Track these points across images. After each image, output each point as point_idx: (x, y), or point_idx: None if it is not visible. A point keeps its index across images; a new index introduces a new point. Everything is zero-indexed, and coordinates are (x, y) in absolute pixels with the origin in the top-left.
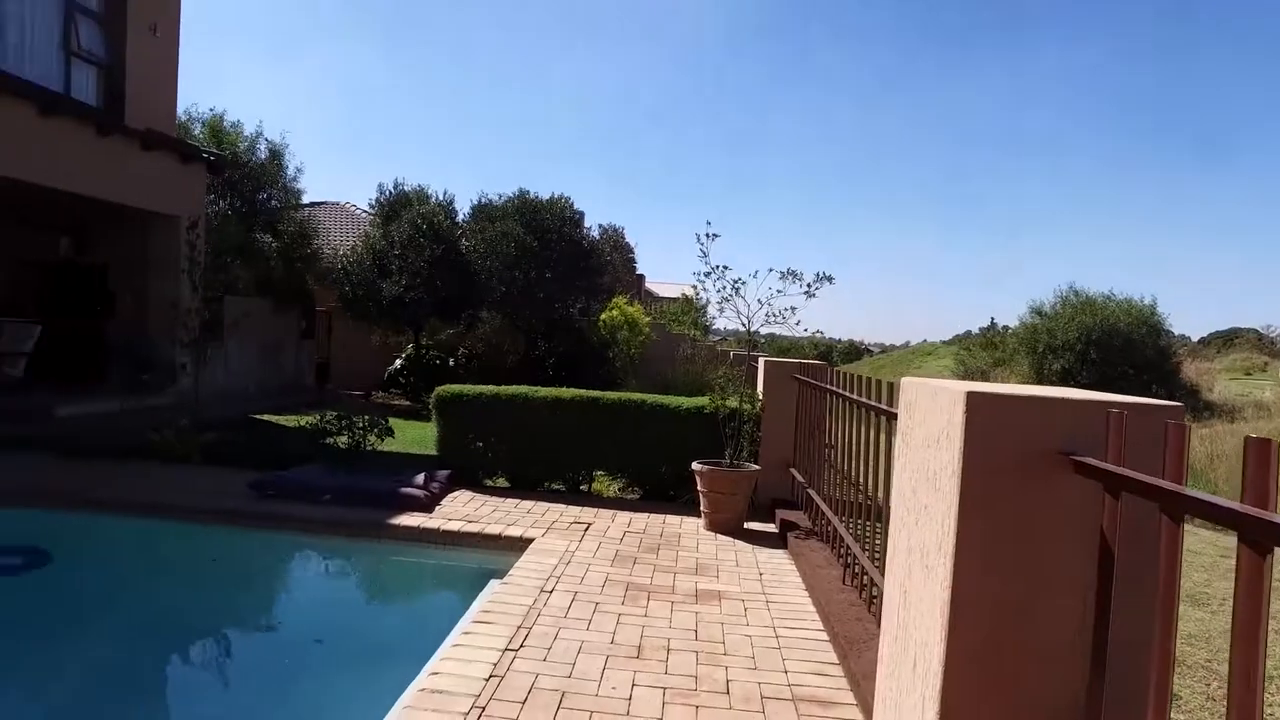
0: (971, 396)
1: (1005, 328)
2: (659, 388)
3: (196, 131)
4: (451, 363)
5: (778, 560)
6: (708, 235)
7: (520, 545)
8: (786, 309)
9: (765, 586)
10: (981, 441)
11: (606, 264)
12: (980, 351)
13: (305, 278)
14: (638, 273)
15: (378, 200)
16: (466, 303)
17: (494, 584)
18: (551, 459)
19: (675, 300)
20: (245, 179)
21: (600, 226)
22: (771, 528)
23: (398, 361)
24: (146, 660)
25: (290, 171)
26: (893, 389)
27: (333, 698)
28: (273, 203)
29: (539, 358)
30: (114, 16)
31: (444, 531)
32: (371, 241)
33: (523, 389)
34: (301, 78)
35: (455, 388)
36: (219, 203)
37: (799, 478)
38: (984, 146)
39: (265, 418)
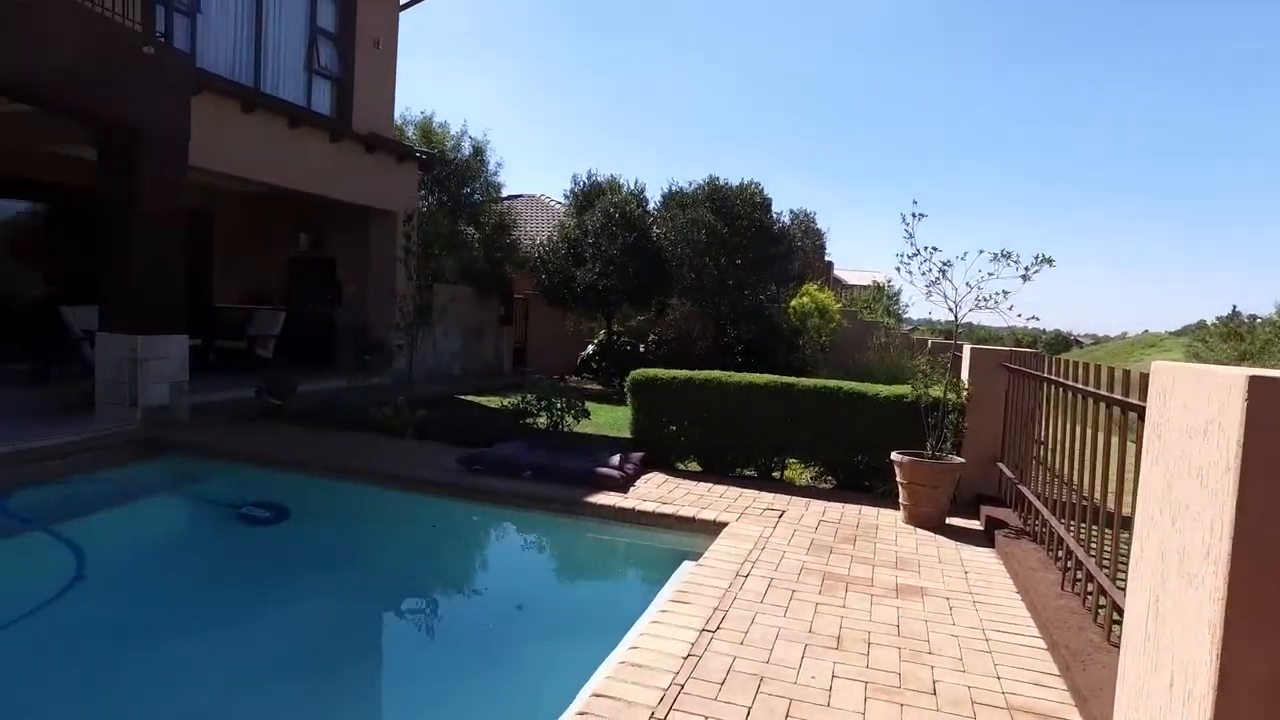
0: (1255, 382)
1: (1253, 317)
2: (850, 376)
3: (409, 133)
4: (642, 348)
5: (984, 559)
6: (914, 215)
7: (713, 529)
8: (998, 293)
9: (971, 586)
10: (1266, 433)
11: (796, 250)
12: (1220, 344)
13: (504, 266)
14: (826, 259)
15: (572, 191)
16: (657, 289)
17: (687, 565)
18: (744, 444)
19: (865, 288)
20: (451, 175)
21: (791, 212)
22: (976, 524)
23: (590, 347)
24: (366, 612)
25: (491, 166)
26: (1128, 376)
27: (532, 660)
28: (475, 196)
29: (727, 344)
30: (346, 35)
31: (638, 511)
32: (566, 231)
33: (716, 374)
34: (502, 78)
35: (650, 372)
36: (428, 198)
37: (1008, 473)
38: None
39: (468, 398)
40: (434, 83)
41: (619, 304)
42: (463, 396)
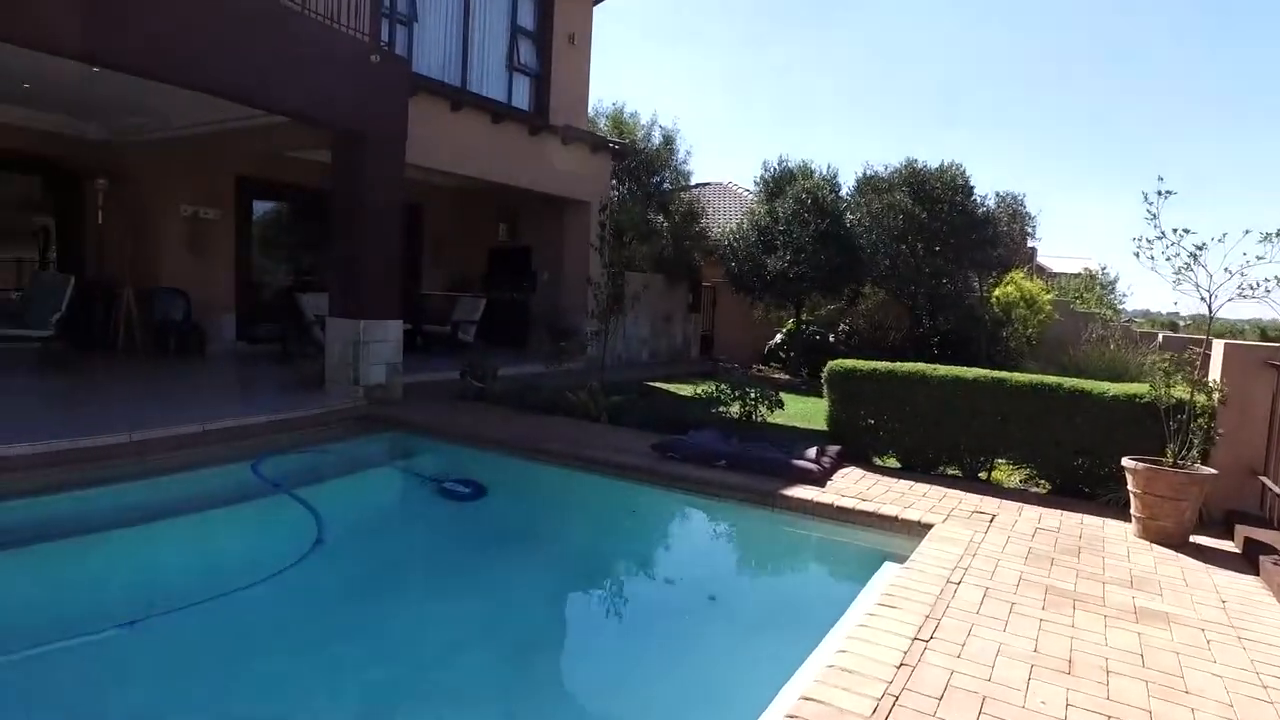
0: None
1: None
2: (1061, 371)
3: (601, 124)
4: (831, 338)
5: (1243, 586)
6: (1159, 194)
7: (917, 530)
8: (1268, 280)
9: (1231, 617)
10: None
11: (1001, 235)
12: None
13: (693, 254)
14: (1029, 245)
15: (762, 177)
16: (849, 277)
17: (890, 567)
18: (948, 442)
19: (1074, 276)
20: (641, 164)
21: (997, 195)
22: (1229, 546)
23: (778, 336)
24: (558, 591)
25: (680, 155)
26: None
27: (724, 653)
28: (664, 185)
29: (923, 335)
30: (543, 33)
31: (837, 507)
32: (756, 218)
33: (919, 367)
34: (691, 66)
35: (848, 363)
36: (619, 187)
37: (1275, 489)
38: None
39: (657, 384)
40: (624, 74)
41: (809, 292)
42: (652, 383)
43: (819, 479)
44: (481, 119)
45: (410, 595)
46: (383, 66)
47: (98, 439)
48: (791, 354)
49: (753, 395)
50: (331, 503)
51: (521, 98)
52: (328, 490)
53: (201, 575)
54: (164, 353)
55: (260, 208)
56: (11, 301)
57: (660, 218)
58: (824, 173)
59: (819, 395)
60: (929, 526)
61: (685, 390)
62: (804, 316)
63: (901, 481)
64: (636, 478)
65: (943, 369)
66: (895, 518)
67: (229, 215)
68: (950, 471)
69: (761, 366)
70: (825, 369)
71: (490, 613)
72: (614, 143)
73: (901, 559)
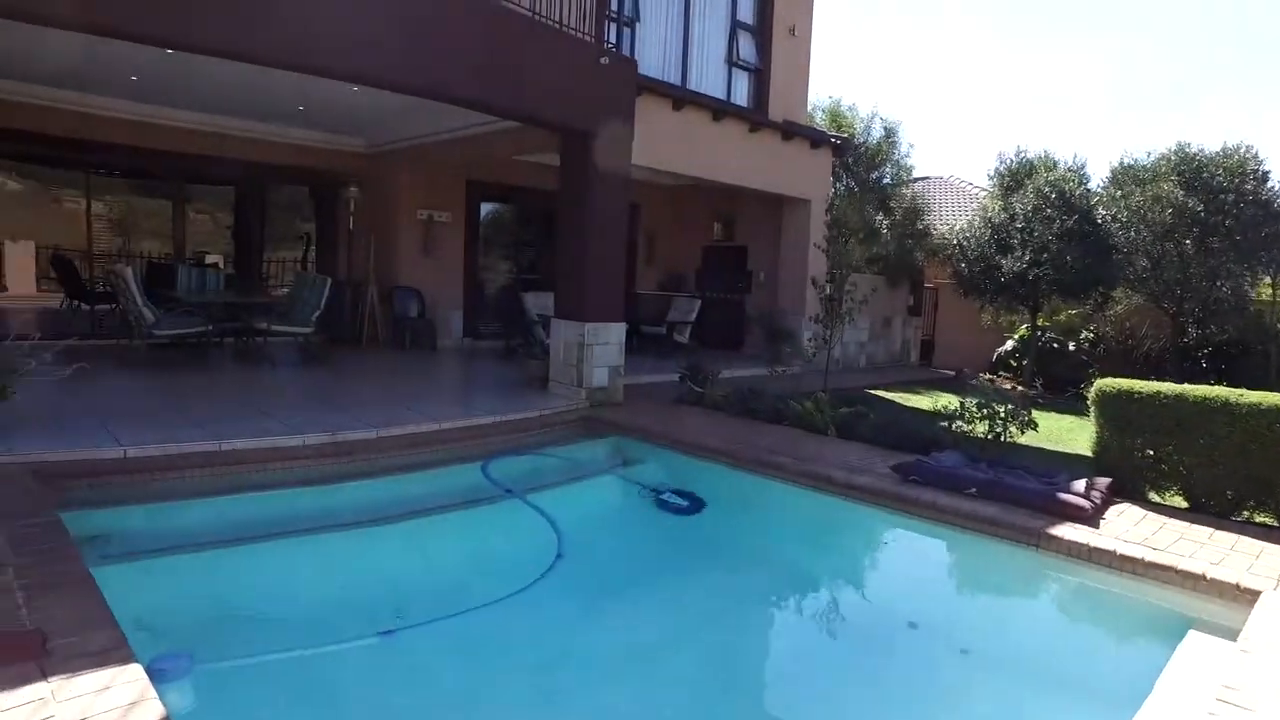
0: None
1: None
2: None
3: (818, 118)
4: (1071, 346)
5: None
6: None
7: (1234, 594)
8: None
9: None
10: None
11: None
12: None
13: (915, 254)
14: None
15: (996, 171)
16: (1097, 279)
17: (1199, 639)
18: (1259, 481)
19: None
20: (859, 160)
21: None
22: None
23: (1009, 343)
24: (780, 624)
25: (902, 149)
26: None
27: None
28: (884, 181)
29: (1187, 346)
30: (763, 26)
31: (1121, 556)
32: (990, 214)
33: (1220, 391)
34: (914, 54)
35: (1123, 383)
36: (836, 185)
37: None
38: None
39: (878, 393)
40: (841, 65)
41: (1048, 295)
42: (872, 391)
43: (1090, 517)
44: (702, 117)
45: (639, 619)
46: (611, 68)
47: (351, 434)
48: (1024, 362)
49: (1001, 413)
50: (562, 512)
51: (740, 94)
52: (555, 498)
53: (449, 582)
54: (400, 347)
55: (486, 209)
56: (280, 301)
57: (880, 215)
58: (1070, 163)
59: (1059, 410)
60: (1256, 594)
61: (910, 400)
62: (1040, 322)
63: (1196, 527)
64: (874, 501)
65: (1253, 395)
66: (1202, 576)
67: (459, 217)
68: (1261, 520)
69: (990, 375)
70: (1093, 389)
71: (712, 644)
72: (835, 137)
73: (1212, 628)
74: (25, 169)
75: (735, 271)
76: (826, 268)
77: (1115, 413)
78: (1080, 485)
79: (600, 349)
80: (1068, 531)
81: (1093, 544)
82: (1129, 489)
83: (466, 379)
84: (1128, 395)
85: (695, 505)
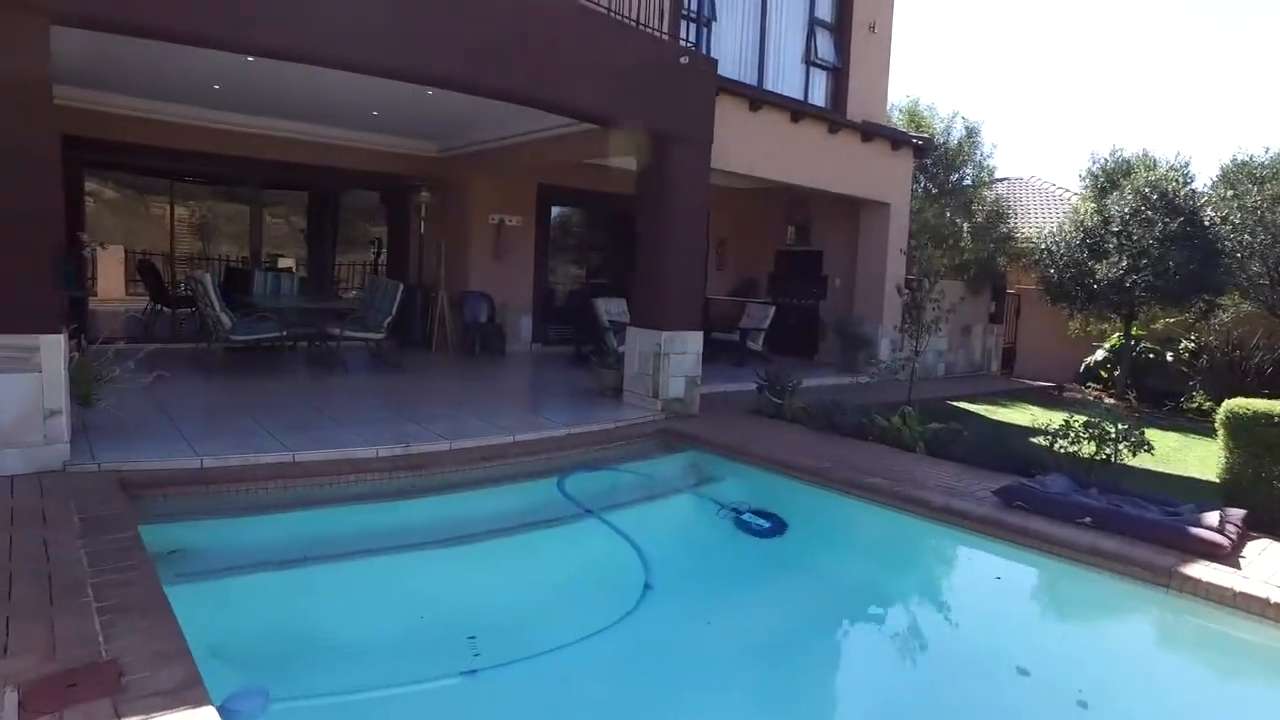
0: None
1: None
2: None
3: (896, 118)
4: (1170, 357)
5: None
6: None
7: None
8: None
9: None
10: None
11: None
12: None
13: (997, 259)
14: None
15: (1088, 171)
16: (1201, 286)
17: None
18: None
19: None
20: (938, 161)
21: None
22: None
23: (1099, 352)
24: (884, 669)
25: (984, 149)
26: None
27: None
28: (965, 183)
29: None
30: (842, 23)
31: (1275, 605)
32: (1081, 217)
33: None
34: (995, 53)
35: (1259, 405)
36: (914, 187)
37: None
38: None
39: (962, 405)
40: (917, 63)
41: (1145, 303)
42: (955, 403)
43: (1228, 556)
44: (780, 118)
45: (724, 657)
46: (690, 67)
47: (424, 445)
48: (1116, 373)
49: (1113, 432)
50: (643, 535)
51: (818, 94)
52: (634, 517)
53: (532, 612)
54: (470, 352)
55: (555, 213)
56: (353, 307)
57: (960, 219)
58: (1172, 162)
59: (1159, 427)
60: None
61: (997, 414)
62: (1136, 331)
63: None
64: (974, 528)
65: None
66: None
67: (529, 221)
68: None
69: (1079, 387)
70: (1221, 410)
71: (772, 680)
72: (917, 138)
73: None
74: (118, 177)
75: (809, 277)
76: (906, 273)
77: (1250, 437)
78: (1213, 518)
79: (677, 359)
80: (1205, 572)
81: (1238, 588)
82: (1266, 522)
83: (537, 387)
84: (1266, 418)
85: (777, 526)
